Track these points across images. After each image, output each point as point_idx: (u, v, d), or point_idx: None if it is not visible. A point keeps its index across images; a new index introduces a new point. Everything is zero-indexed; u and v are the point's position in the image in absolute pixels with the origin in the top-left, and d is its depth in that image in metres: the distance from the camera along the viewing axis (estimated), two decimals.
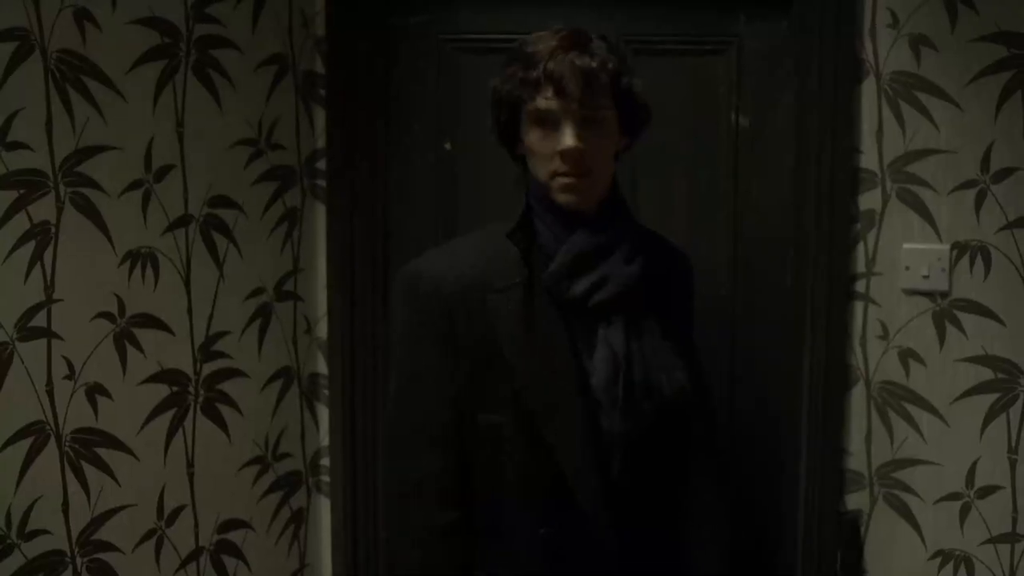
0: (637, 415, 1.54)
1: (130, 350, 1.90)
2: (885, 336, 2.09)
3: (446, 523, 1.55)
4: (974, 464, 2.07)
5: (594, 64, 1.51)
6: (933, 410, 2.08)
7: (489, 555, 1.57)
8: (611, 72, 1.54)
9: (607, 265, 1.55)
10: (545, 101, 1.51)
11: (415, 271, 1.60)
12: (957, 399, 2.07)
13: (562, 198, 1.55)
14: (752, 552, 2.27)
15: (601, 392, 1.53)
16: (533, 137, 1.55)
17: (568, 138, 1.50)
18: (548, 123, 1.53)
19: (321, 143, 2.29)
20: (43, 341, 1.75)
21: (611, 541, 1.55)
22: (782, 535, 2.22)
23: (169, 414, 1.99)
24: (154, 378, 1.96)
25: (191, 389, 2.04)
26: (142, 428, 1.93)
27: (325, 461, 2.35)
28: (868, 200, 2.08)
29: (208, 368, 2.08)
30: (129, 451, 1.91)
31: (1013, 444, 2.05)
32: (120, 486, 1.89)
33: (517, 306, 1.53)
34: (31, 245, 1.71)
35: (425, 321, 1.56)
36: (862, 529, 2.13)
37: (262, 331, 2.21)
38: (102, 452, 1.86)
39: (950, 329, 2.06)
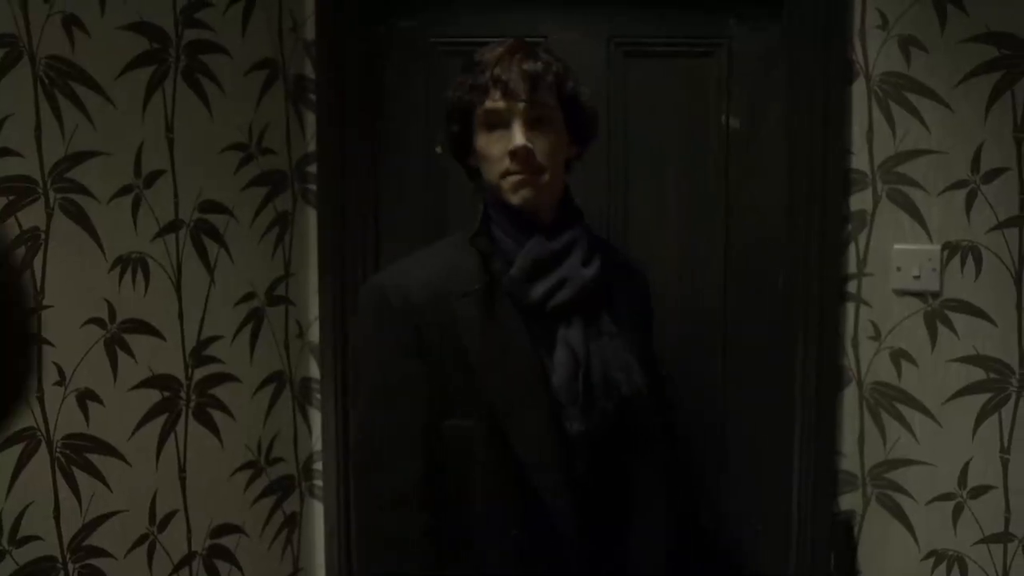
0: (596, 413, 1.58)
1: (121, 356, 1.90)
2: (877, 337, 2.09)
3: (422, 528, 1.57)
4: (966, 464, 2.07)
5: (539, 67, 1.58)
6: (925, 410, 2.08)
7: (461, 557, 1.59)
8: (556, 74, 1.61)
9: (564, 268, 1.60)
10: (493, 103, 1.58)
11: (381, 283, 1.65)
12: (949, 399, 2.07)
13: (514, 198, 1.59)
14: (745, 553, 2.27)
15: (561, 391, 1.57)
16: (484, 141, 1.61)
17: (518, 137, 1.56)
18: (498, 125, 1.59)
19: (312, 147, 2.28)
20: (33, 347, 1.75)
21: (576, 539, 1.59)
22: (775, 536, 2.21)
23: (161, 419, 1.99)
24: (145, 383, 1.95)
25: (183, 394, 2.04)
26: (133, 433, 1.93)
27: (318, 465, 2.35)
28: (859, 201, 2.08)
29: (200, 373, 2.08)
30: (121, 456, 1.90)
31: (1005, 444, 2.05)
32: (112, 492, 1.89)
33: (480, 311, 1.58)
34: (21, 251, 1.71)
35: (395, 330, 1.60)
36: (855, 530, 2.13)
37: (254, 336, 2.21)
38: (93, 458, 1.85)
39: (941, 329, 2.06)
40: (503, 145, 1.58)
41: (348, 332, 2.26)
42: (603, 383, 1.60)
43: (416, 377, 1.58)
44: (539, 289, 1.59)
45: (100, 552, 1.86)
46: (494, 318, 1.58)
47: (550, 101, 1.60)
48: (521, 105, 1.56)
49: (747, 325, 2.26)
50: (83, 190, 1.81)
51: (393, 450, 1.59)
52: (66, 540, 1.80)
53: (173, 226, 2.00)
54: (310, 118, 2.29)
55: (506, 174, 1.58)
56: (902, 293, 2.08)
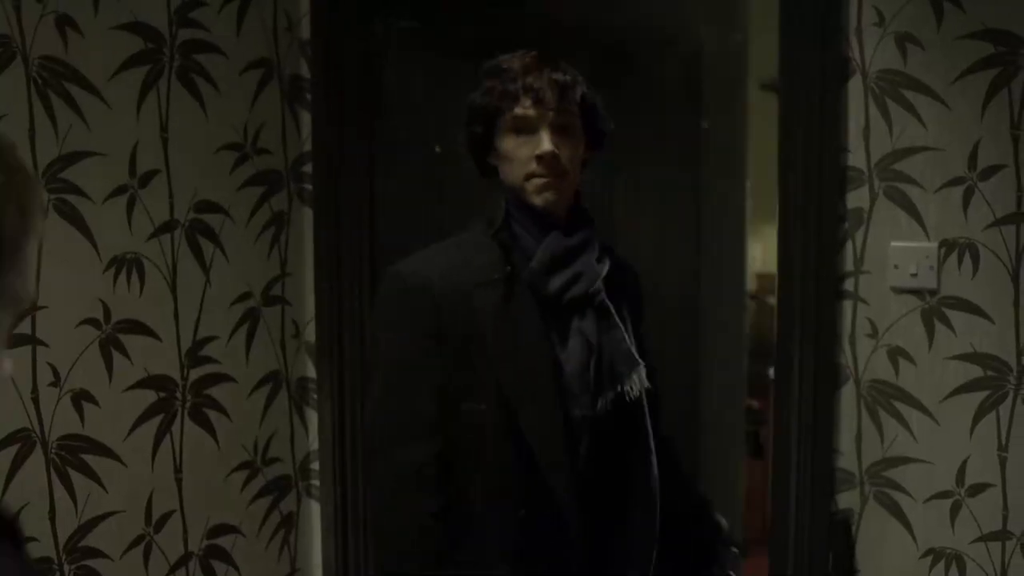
0: (603, 402, 1.69)
1: (116, 356, 1.90)
2: (874, 335, 2.09)
3: (434, 510, 1.63)
4: (964, 462, 2.06)
5: (567, 78, 1.70)
6: (923, 408, 2.08)
7: (467, 541, 1.64)
8: (581, 86, 1.72)
9: (579, 264, 1.70)
10: (524, 109, 1.67)
11: (403, 270, 1.71)
12: (947, 397, 2.06)
13: (538, 199, 1.69)
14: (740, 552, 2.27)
15: (574, 378, 1.67)
16: (511, 144, 1.70)
17: (546, 143, 1.66)
18: (525, 131, 1.68)
19: (307, 147, 2.28)
20: (28, 348, 1.75)
21: (578, 524, 1.67)
22: (773, 535, 2.21)
23: (156, 420, 1.99)
24: (141, 384, 1.96)
25: (178, 395, 2.04)
26: (129, 434, 1.93)
27: (315, 465, 2.35)
28: (856, 198, 2.07)
29: (195, 373, 2.07)
30: (116, 457, 1.90)
31: (1003, 442, 2.04)
32: (107, 492, 1.89)
33: (499, 300, 1.66)
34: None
35: (414, 316, 1.67)
36: (853, 528, 2.13)
37: (250, 336, 2.21)
38: (89, 459, 1.85)
39: (939, 327, 2.06)
40: (530, 149, 1.67)
41: (344, 331, 2.26)
42: (611, 373, 1.70)
43: (433, 361, 1.66)
44: (556, 282, 1.68)
45: (96, 553, 1.86)
46: (512, 308, 1.67)
47: (574, 110, 1.70)
48: (550, 113, 1.66)
49: (720, 319, 2.28)
50: (77, 190, 1.81)
51: (407, 432, 1.65)
52: (62, 541, 1.80)
53: (168, 226, 2.00)
54: (306, 117, 2.28)
55: (531, 176, 1.68)
56: (899, 291, 2.07)
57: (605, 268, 1.73)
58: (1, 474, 1.70)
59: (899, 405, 2.08)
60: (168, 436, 2.01)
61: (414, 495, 1.64)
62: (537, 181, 1.68)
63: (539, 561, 1.67)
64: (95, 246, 1.85)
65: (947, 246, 2.04)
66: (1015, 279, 2.01)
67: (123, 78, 1.90)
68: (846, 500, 2.12)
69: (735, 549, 1.97)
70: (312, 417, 2.34)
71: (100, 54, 1.85)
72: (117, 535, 1.91)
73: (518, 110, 1.67)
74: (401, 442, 1.65)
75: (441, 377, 1.65)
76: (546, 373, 1.67)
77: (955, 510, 2.07)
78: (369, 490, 1.76)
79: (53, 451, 1.79)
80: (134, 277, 1.93)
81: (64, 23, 1.78)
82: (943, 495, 2.08)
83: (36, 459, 1.76)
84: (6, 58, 1.69)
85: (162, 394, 2.00)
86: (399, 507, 1.66)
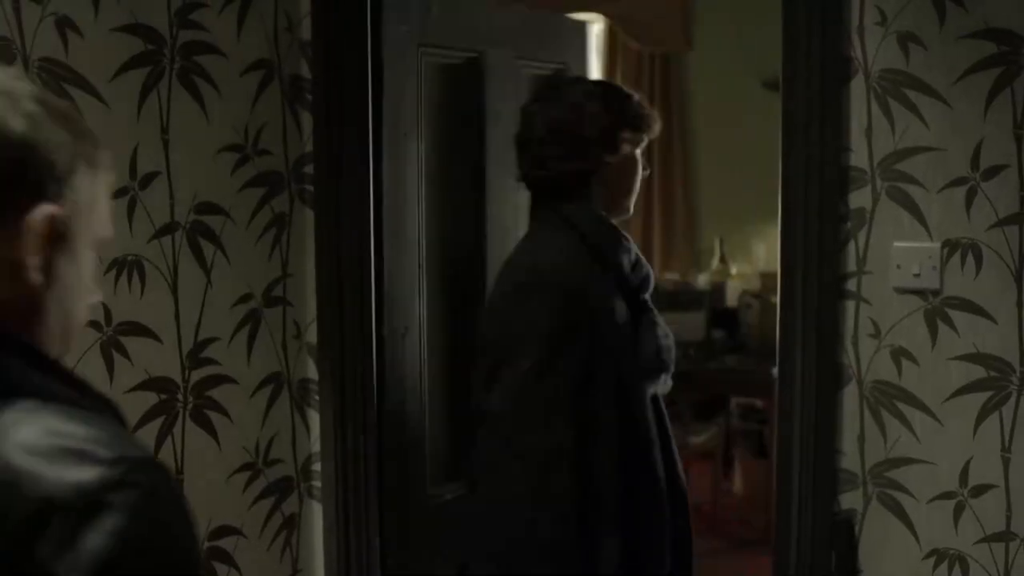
0: (661, 384, 1.98)
1: (117, 358, 1.90)
2: (877, 335, 2.08)
3: (575, 493, 1.78)
4: (967, 463, 2.06)
5: None
6: (926, 409, 2.07)
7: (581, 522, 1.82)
8: None
9: (644, 265, 2.00)
10: (649, 135, 2.00)
11: (537, 266, 1.90)
12: (949, 398, 2.06)
13: (630, 210, 2.02)
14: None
15: (653, 360, 1.94)
16: (634, 162, 1.99)
17: (646, 167, 2.03)
18: (634, 151, 1.98)
19: (308, 148, 2.28)
20: None
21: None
22: (775, 535, 2.21)
23: (158, 421, 1.99)
24: (142, 386, 1.96)
25: (180, 396, 2.04)
26: None
27: (316, 466, 2.34)
28: (858, 198, 2.07)
29: (197, 375, 2.07)
30: None
31: (1006, 442, 2.04)
32: None
33: (608, 294, 1.90)
34: None
35: (556, 306, 1.84)
36: (856, 529, 2.12)
37: (251, 337, 2.21)
38: None
39: (942, 327, 2.05)
40: (639, 168, 2.00)
41: (345, 332, 2.26)
42: (671, 359, 1.99)
43: (571, 349, 1.82)
44: (635, 280, 1.96)
45: None
46: (618, 302, 1.92)
47: None
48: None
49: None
50: None
51: (551, 417, 1.79)
52: None
53: (169, 228, 2.00)
54: (306, 118, 2.28)
55: (633, 191, 2.00)
56: (902, 291, 2.07)
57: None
58: None
59: (902, 405, 2.08)
60: (169, 438, 2.01)
61: (557, 478, 1.78)
62: (635, 196, 2.01)
63: (646, 540, 1.91)
64: None
65: (950, 246, 2.03)
66: (1018, 279, 2.01)
67: (123, 80, 1.89)
68: (849, 501, 2.12)
69: None
70: (314, 418, 2.34)
71: (100, 56, 1.85)
72: None
73: (642, 136, 1.98)
74: (546, 426, 1.79)
75: (578, 364, 1.83)
76: (633, 356, 1.92)
77: (958, 511, 2.07)
78: (494, 476, 1.87)
79: None
80: (135, 279, 1.93)
81: (64, 25, 1.78)
82: (946, 496, 2.07)
83: None
84: (6, 60, 1.69)
85: (163, 396, 2.00)
86: (542, 490, 1.78)
